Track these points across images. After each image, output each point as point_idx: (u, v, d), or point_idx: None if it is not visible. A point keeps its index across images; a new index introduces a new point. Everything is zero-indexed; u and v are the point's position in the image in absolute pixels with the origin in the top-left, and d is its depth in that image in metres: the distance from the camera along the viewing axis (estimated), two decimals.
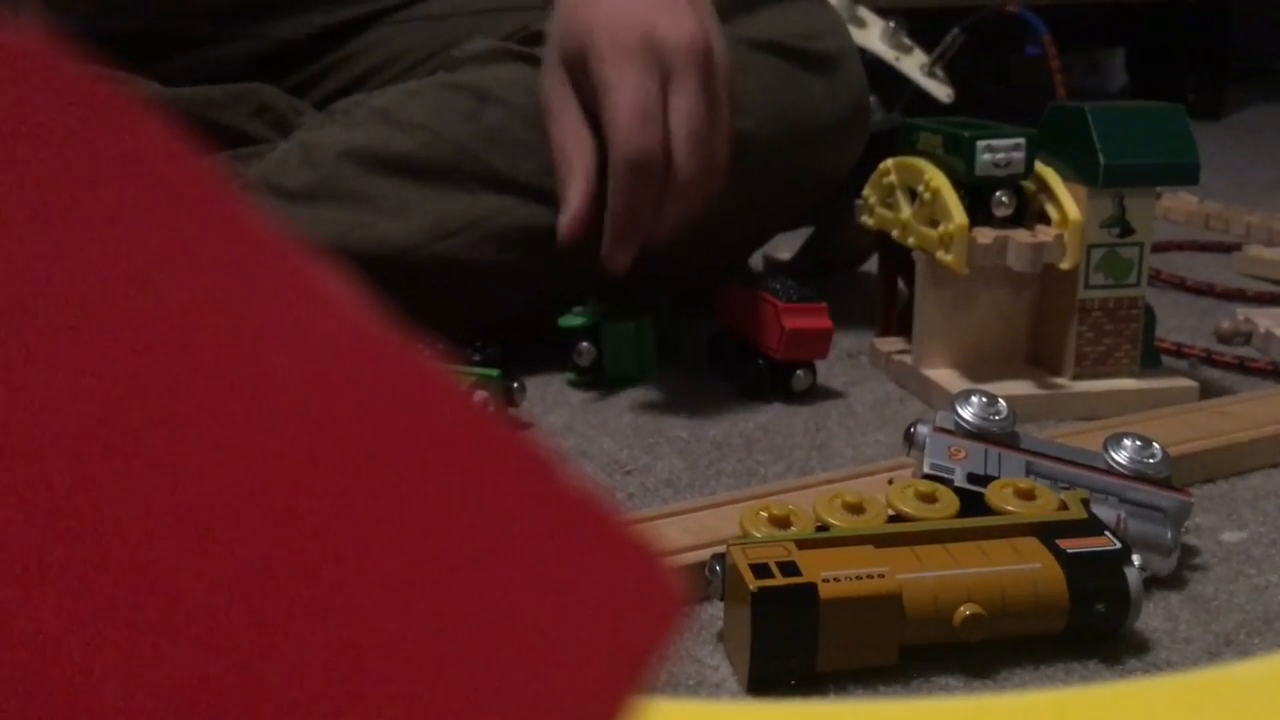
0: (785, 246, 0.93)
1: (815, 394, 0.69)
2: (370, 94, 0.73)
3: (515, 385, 0.64)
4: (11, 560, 0.12)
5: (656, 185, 0.62)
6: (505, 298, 0.72)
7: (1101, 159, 0.63)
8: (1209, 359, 0.74)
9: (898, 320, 0.74)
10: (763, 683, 0.40)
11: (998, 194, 0.65)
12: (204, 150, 0.14)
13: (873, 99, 0.84)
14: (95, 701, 0.12)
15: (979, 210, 0.65)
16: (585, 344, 0.70)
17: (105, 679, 0.12)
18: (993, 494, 0.46)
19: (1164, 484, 0.49)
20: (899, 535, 0.43)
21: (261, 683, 0.12)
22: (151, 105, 0.13)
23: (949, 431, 0.51)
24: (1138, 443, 0.50)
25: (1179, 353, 0.74)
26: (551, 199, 0.66)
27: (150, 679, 0.12)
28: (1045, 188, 0.66)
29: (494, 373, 0.64)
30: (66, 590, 0.12)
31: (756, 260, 0.95)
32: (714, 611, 0.44)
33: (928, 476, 0.48)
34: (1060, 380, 0.67)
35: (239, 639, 0.12)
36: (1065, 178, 0.65)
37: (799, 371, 0.68)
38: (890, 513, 0.45)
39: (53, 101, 0.13)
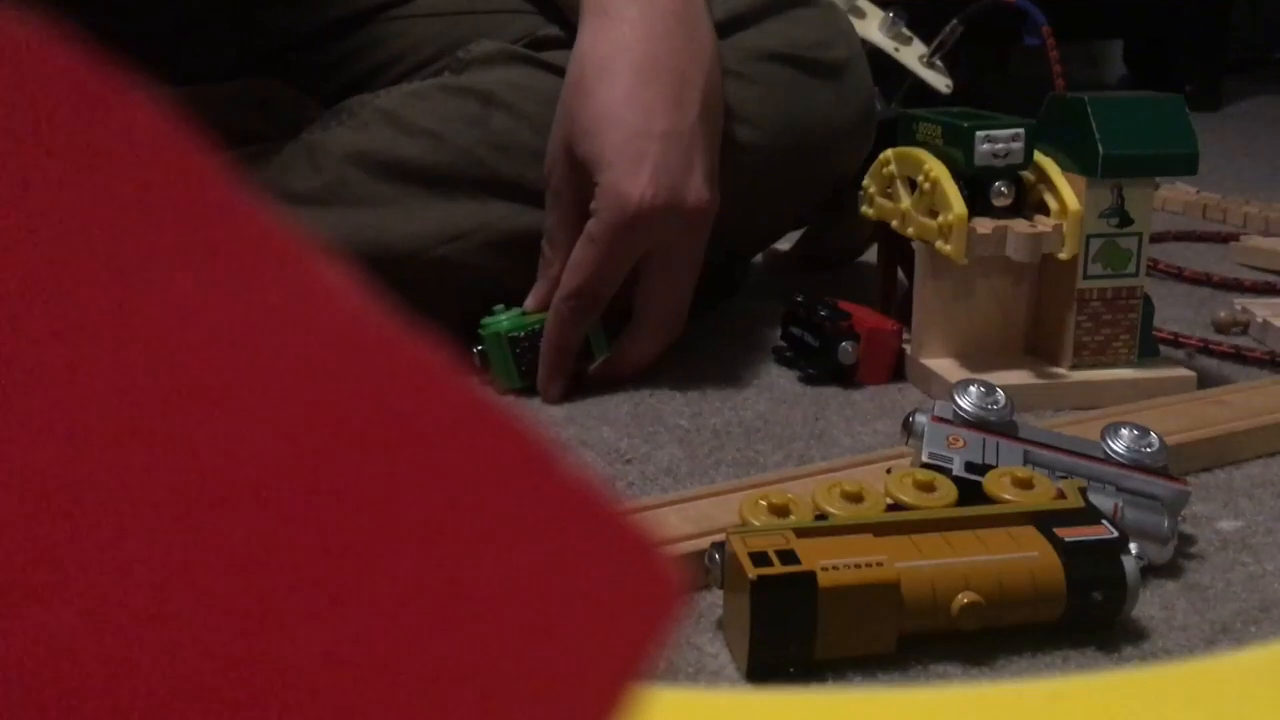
0: (785, 237, 0.93)
1: (814, 382, 0.69)
2: (375, 94, 0.73)
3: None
4: (9, 552, 0.12)
5: (588, 323, 0.66)
6: (508, 300, 0.72)
7: (1100, 149, 0.63)
8: (1206, 348, 0.74)
9: (897, 310, 0.74)
10: (762, 670, 0.40)
11: (997, 184, 0.65)
12: (209, 146, 0.14)
13: None
14: (89, 698, 0.12)
15: (978, 200, 0.65)
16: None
17: (100, 674, 0.12)
18: (991, 483, 0.46)
19: (1161, 473, 0.49)
20: (897, 524, 0.43)
21: (259, 674, 0.12)
22: (156, 101, 0.13)
23: (947, 421, 0.51)
24: (1135, 432, 0.50)
25: (1176, 342, 0.74)
26: None
27: (146, 675, 0.12)
28: (1044, 178, 0.66)
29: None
30: (64, 584, 0.12)
31: None
32: (713, 599, 0.44)
33: (926, 465, 0.48)
34: (1058, 370, 0.67)
35: (238, 628, 0.12)
36: (1064, 168, 0.65)
37: (846, 344, 0.68)
38: (889, 501, 0.45)
39: (56, 96, 0.13)
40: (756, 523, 0.44)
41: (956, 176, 0.65)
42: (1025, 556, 0.42)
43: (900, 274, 0.75)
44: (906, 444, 0.53)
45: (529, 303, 0.68)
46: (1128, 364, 0.67)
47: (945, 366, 0.68)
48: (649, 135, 0.63)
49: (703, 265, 0.67)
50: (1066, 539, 0.42)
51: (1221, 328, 0.79)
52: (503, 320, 0.68)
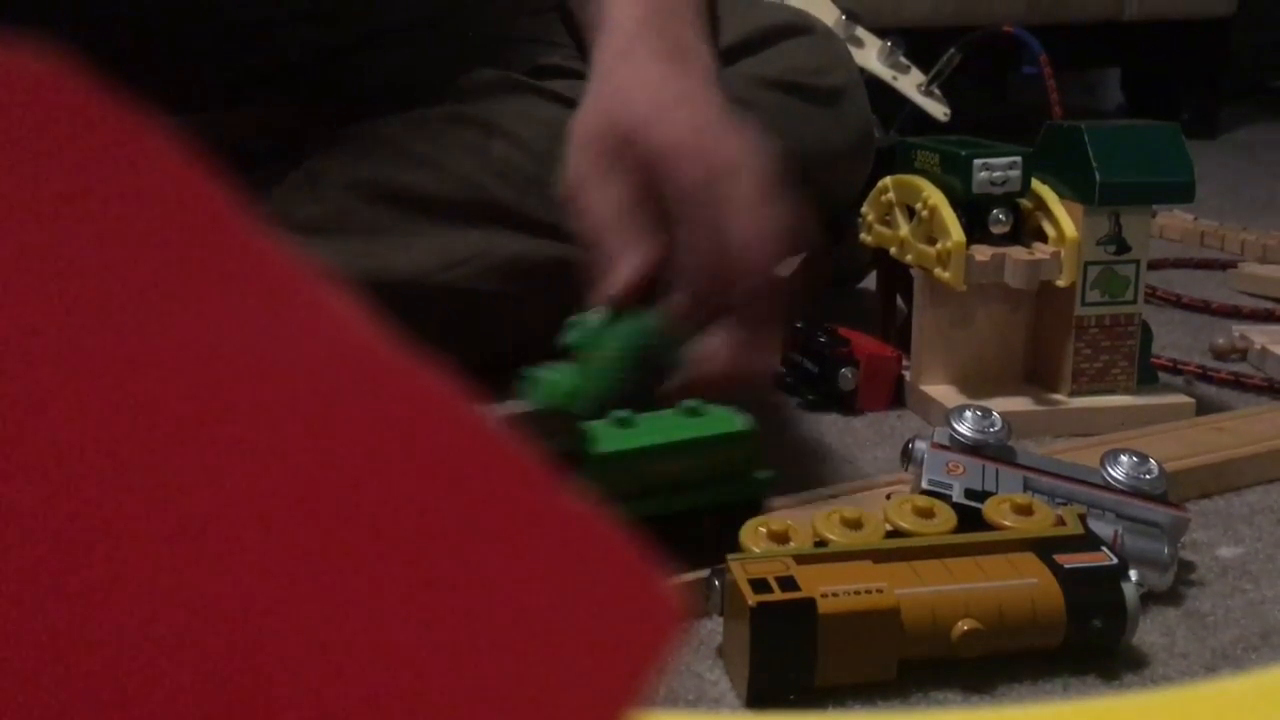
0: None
1: (813, 408, 0.69)
2: (376, 123, 0.73)
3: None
4: (18, 569, 0.12)
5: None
6: (509, 327, 0.72)
7: (1098, 177, 0.63)
8: (1205, 375, 0.74)
9: (896, 336, 0.74)
10: (762, 697, 0.40)
11: (995, 212, 0.66)
12: (216, 174, 0.14)
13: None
14: (95, 710, 0.12)
15: (976, 228, 0.65)
16: None
17: (105, 688, 0.12)
18: (990, 509, 0.46)
19: (1161, 500, 0.49)
20: (897, 550, 0.43)
21: (264, 692, 0.12)
22: (163, 129, 0.14)
23: (946, 447, 0.51)
24: (1134, 459, 0.50)
25: (1175, 369, 0.75)
26: (557, 233, 0.66)
27: (150, 689, 0.12)
28: (1042, 205, 0.66)
29: None
30: (70, 600, 0.12)
31: None
32: (713, 626, 0.44)
33: (925, 492, 0.48)
34: (1057, 397, 0.67)
35: (245, 649, 0.12)
36: (1062, 196, 0.66)
37: (845, 370, 0.68)
38: (888, 528, 0.45)
39: (65, 126, 0.13)
40: (756, 549, 0.44)
41: (954, 204, 0.66)
42: (1025, 583, 0.42)
43: (899, 301, 0.76)
44: (906, 470, 0.53)
45: (611, 296, 0.55)
46: (1126, 391, 0.67)
47: (944, 393, 0.68)
48: (699, 111, 0.59)
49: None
50: (1066, 566, 0.42)
51: (1220, 354, 0.79)
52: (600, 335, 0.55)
